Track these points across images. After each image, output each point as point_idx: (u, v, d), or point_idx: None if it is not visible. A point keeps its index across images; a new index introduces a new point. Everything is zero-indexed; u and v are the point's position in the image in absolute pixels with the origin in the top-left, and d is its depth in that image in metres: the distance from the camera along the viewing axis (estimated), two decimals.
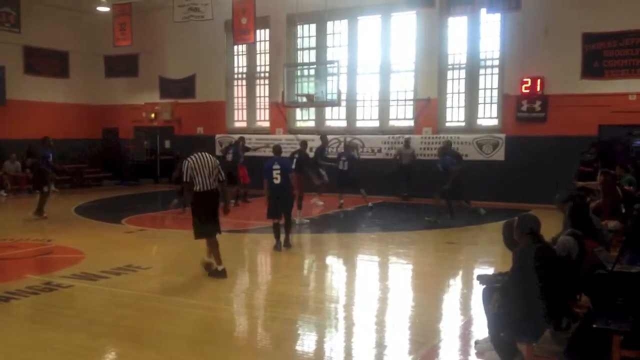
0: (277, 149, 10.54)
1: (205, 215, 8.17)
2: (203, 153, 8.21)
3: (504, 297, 4.83)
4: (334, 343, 5.90)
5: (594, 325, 4.42)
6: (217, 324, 6.42)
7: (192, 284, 8.13)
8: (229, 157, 16.04)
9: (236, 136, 18.24)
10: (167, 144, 22.52)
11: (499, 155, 16.56)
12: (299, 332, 6.25)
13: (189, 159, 8.12)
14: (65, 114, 21.82)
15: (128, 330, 6.05)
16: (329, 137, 17.42)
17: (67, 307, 6.99)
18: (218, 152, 20.72)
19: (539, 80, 15.93)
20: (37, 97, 20.88)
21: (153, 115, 22.43)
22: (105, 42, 21.42)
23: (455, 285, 8.67)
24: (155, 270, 8.90)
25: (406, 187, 17.21)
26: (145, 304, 6.97)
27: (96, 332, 5.95)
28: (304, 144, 14.24)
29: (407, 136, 17.60)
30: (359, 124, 19.24)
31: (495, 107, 17.27)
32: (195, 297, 7.35)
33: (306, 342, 6.02)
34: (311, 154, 15.42)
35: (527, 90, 16.12)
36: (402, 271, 9.55)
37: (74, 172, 21.63)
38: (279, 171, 9.86)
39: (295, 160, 12.57)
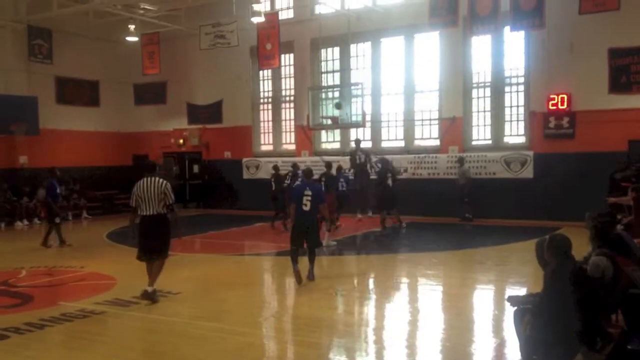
0: (309, 173, 9.94)
1: (146, 239, 8.32)
2: (151, 177, 8.27)
3: (536, 319, 4.77)
4: None
5: (629, 347, 4.34)
6: (248, 348, 6.44)
7: (222, 308, 8.19)
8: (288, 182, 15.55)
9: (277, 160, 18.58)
10: (196, 168, 22.83)
11: (527, 172, 16.39)
12: (329, 356, 6.24)
13: (136, 184, 8.27)
14: (96, 142, 22.33)
15: (160, 356, 6.12)
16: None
17: (100, 333, 7.10)
18: (246, 175, 21.02)
19: (565, 97, 15.80)
20: (68, 126, 21.41)
21: (181, 141, 22.80)
22: (134, 70, 21.94)
23: (486, 306, 8.56)
24: (186, 295, 8.99)
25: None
26: (177, 329, 7.04)
27: (129, 358, 6.03)
28: (329, 165, 14.29)
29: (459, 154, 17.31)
30: (384, 144, 19.27)
31: (522, 124, 17.14)
32: (226, 322, 7.40)
33: None
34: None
35: (554, 107, 15.99)
36: (431, 293, 9.47)
37: (105, 199, 22.02)
38: (309, 197, 9.26)
39: (324, 184, 12.62)
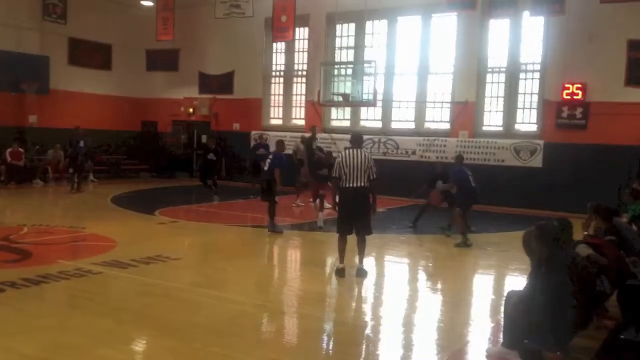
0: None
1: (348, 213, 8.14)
2: (357, 150, 7.99)
3: (524, 304, 4.72)
4: (359, 342, 5.85)
5: (622, 336, 4.28)
6: (243, 317, 6.43)
7: (220, 276, 8.20)
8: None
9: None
10: (204, 138, 22.78)
11: (537, 161, 16.22)
12: (324, 329, 6.22)
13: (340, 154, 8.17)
14: (106, 105, 22.28)
15: (153, 319, 6.12)
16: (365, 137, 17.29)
17: (96, 292, 7.09)
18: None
19: (580, 87, 15.56)
20: (79, 87, 21.37)
21: (191, 109, 22.73)
22: (148, 36, 21.76)
23: (485, 290, 8.52)
24: (185, 261, 8.98)
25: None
26: (172, 294, 7.04)
27: (122, 318, 6.03)
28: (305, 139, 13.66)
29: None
30: (394, 125, 19.11)
31: (534, 112, 16.93)
32: (222, 290, 7.39)
33: (330, 339, 5.98)
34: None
35: (568, 97, 15.76)
36: (430, 275, 9.43)
37: (112, 163, 22.05)
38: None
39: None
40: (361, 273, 8.16)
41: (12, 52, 18.32)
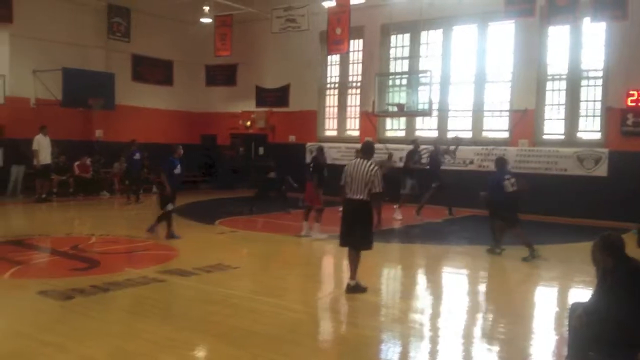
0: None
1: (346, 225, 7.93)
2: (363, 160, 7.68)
3: (589, 317, 4.59)
4: (416, 354, 5.81)
5: None
6: (301, 325, 6.49)
7: (279, 285, 8.30)
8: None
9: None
10: (261, 150, 23.15)
11: (601, 170, 15.69)
12: (381, 339, 6.21)
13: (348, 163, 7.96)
14: (167, 120, 23.03)
15: (214, 326, 6.26)
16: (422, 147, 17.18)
17: (159, 299, 7.33)
18: (309, 160, 21.07)
19: None
20: (142, 102, 22.17)
21: (249, 123, 23.16)
22: (207, 52, 22.40)
23: (548, 303, 8.30)
24: (244, 270, 9.15)
25: None
26: (232, 302, 7.18)
27: (183, 325, 6.20)
28: (320, 150, 12.86)
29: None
30: (450, 134, 18.88)
31: (597, 120, 16.42)
32: (281, 298, 7.49)
33: (386, 350, 5.96)
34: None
35: (633, 103, 15.22)
36: (492, 286, 9.26)
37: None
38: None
39: (312, 167, 11.88)
40: (351, 289, 7.68)
41: (80, 70, 19.16)
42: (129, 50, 21.54)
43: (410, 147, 16.46)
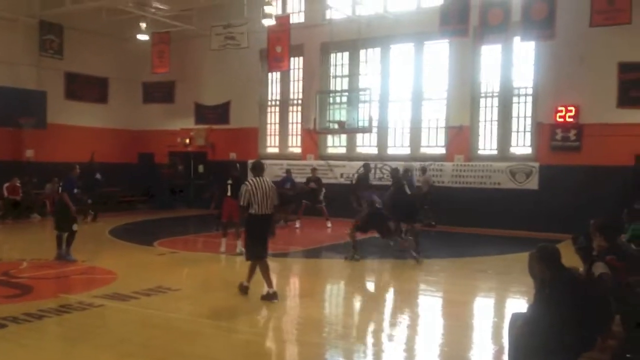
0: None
1: (260, 239, 8.37)
2: (262, 178, 8.32)
3: (528, 326, 4.74)
4: None
5: (628, 355, 4.29)
6: (247, 347, 6.42)
7: (220, 306, 8.18)
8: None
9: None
10: (201, 168, 22.85)
11: (532, 184, 16.34)
12: (326, 356, 6.21)
13: (248, 182, 8.35)
14: (102, 138, 22.32)
15: (156, 350, 6.10)
16: (360, 163, 17.44)
17: (98, 325, 7.08)
18: (250, 177, 20.97)
19: (573, 109, 15.76)
20: (76, 121, 21.50)
21: (187, 140, 22.83)
22: (144, 69, 22.04)
23: (486, 313, 8.51)
24: (185, 291, 8.97)
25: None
26: (174, 325, 7.02)
27: (125, 351, 6.02)
28: (234, 166, 13.23)
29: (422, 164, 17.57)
30: (390, 151, 19.25)
31: (528, 135, 17.11)
32: (224, 320, 7.38)
33: None
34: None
35: (562, 119, 15.95)
36: (432, 299, 9.43)
37: (109, 196, 22.00)
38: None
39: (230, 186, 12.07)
40: (271, 296, 8.22)
41: (10, 88, 18.46)
42: (62, 68, 20.92)
43: (361, 169, 16.67)
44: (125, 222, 17.98)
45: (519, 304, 8.15)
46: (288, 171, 18.05)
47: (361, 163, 17.54)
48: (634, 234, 8.42)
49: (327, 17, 19.77)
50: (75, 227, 11.13)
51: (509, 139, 17.42)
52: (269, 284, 8.30)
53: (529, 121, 17.07)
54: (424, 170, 17.17)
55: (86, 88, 22.20)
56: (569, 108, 15.80)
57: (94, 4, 19.00)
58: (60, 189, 11.44)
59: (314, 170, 17.86)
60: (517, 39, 16.14)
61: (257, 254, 8.38)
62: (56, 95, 20.78)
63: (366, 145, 19.81)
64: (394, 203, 12.12)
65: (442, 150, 18.18)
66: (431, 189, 16.66)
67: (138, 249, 13.10)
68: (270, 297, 8.17)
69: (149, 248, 13.11)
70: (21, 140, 19.85)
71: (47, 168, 19.57)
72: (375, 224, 11.66)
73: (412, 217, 12.37)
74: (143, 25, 20.12)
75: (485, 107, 17.75)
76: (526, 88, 17.12)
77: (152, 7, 20.26)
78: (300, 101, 21.00)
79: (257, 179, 8.27)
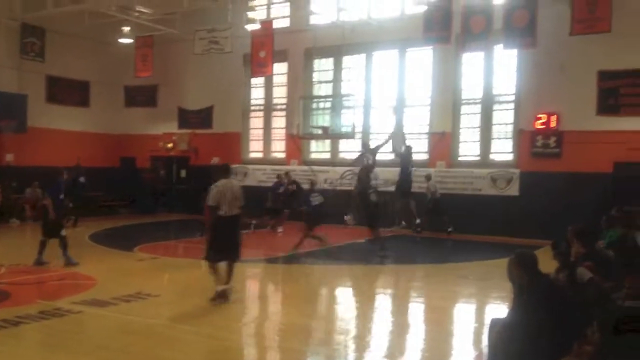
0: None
1: (225, 239, 8.41)
2: (230, 180, 8.55)
3: (507, 331, 4.78)
4: None
5: None
6: (225, 353, 6.39)
7: (200, 312, 8.11)
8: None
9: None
10: (183, 173, 22.74)
11: (513, 190, 16.48)
12: None
13: (217, 184, 8.43)
14: (84, 142, 22.14)
15: (135, 357, 6.05)
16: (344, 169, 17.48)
17: (76, 332, 7.00)
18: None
19: (554, 116, 15.94)
20: (57, 125, 21.27)
21: (170, 145, 22.71)
22: (126, 72, 21.90)
23: (466, 319, 8.56)
24: (165, 297, 8.90)
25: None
26: (154, 331, 6.97)
27: (103, 357, 5.96)
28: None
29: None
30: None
31: (509, 142, 17.26)
32: (204, 326, 7.32)
33: None
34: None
35: (542, 126, 16.13)
36: (412, 304, 9.45)
37: (90, 200, 21.80)
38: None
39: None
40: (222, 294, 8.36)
41: None
42: (44, 71, 20.72)
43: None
44: (106, 227, 17.80)
45: (499, 310, 8.19)
46: (279, 176, 17.96)
47: (345, 169, 17.59)
48: (610, 240, 8.49)
49: (311, 22, 19.83)
50: (63, 232, 11.13)
51: (490, 145, 17.56)
52: (227, 282, 8.37)
53: (510, 128, 17.22)
54: (428, 177, 16.99)
55: (67, 91, 22.00)
56: (550, 115, 15.97)
57: (76, 7, 18.82)
58: (45, 194, 11.34)
59: (287, 174, 17.86)
60: (499, 47, 16.31)
61: (218, 257, 8.43)
62: (37, 98, 20.58)
63: (350, 150, 19.82)
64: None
65: (425, 156, 18.26)
66: (435, 196, 16.57)
67: (118, 255, 12.98)
68: (221, 296, 8.22)
69: (129, 253, 12.99)
70: (1, 144, 19.63)
71: (27, 172, 19.37)
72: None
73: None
74: (126, 29, 19.99)
75: (468, 113, 17.88)
76: (507, 95, 17.28)
77: (136, 11, 20.14)
78: (284, 106, 20.99)
79: (225, 180, 8.41)
